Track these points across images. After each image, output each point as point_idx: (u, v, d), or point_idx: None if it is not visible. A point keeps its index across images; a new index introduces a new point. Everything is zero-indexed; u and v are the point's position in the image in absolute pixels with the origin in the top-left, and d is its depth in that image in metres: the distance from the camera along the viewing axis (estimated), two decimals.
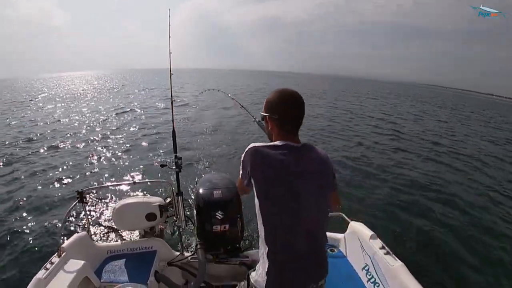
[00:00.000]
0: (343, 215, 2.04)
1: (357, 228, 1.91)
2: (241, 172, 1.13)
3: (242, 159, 1.10)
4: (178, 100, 17.07)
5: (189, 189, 4.75)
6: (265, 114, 1.14)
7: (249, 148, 1.08)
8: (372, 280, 1.63)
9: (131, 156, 7.24)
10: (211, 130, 10.34)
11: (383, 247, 1.66)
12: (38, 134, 9.51)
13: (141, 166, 6.50)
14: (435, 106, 28.40)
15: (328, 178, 1.10)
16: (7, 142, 8.51)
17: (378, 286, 1.57)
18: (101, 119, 12.31)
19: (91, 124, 11.20)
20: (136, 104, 17.74)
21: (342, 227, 2.08)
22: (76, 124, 11.28)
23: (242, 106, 2.29)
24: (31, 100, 21.08)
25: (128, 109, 15.16)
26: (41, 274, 1.45)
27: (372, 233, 1.78)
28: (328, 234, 2.11)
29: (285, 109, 1.08)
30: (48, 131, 10.01)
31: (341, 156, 7.78)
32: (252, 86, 37.35)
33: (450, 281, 3.31)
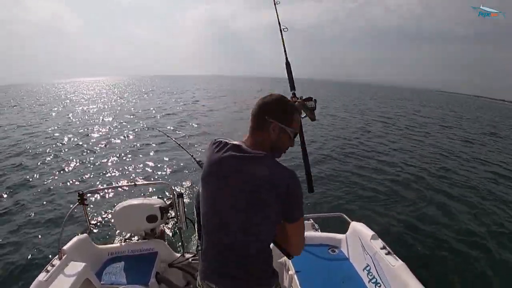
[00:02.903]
0: (344, 215, 2.03)
1: (358, 228, 1.90)
2: None
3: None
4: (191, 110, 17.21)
5: (190, 191, 4.75)
6: None
7: (213, 140, 1.09)
8: (374, 280, 1.62)
9: (132, 158, 7.24)
10: (216, 131, 10.36)
11: (384, 247, 1.66)
12: (44, 137, 9.54)
13: (142, 168, 6.51)
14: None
15: (264, 200, 0.94)
16: (12, 144, 8.54)
17: (379, 286, 1.57)
18: (110, 122, 12.38)
19: (97, 127, 11.24)
20: (147, 107, 17.94)
21: (343, 228, 2.07)
22: (80, 127, 11.32)
23: (180, 145, 2.57)
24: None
25: (137, 113, 15.24)
26: (42, 276, 1.45)
27: (373, 233, 1.78)
28: (329, 234, 2.13)
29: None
30: (55, 134, 10.04)
31: (342, 155, 7.79)
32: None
33: (452, 280, 3.30)
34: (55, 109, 17.71)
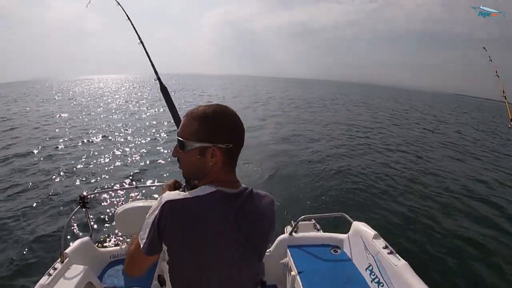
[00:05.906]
0: (346, 215, 2.03)
1: (360, 228, 1.90)
2: (143, 233, 0.75)
3: (152, 219, 0.73)
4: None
5: None
6: (204, 140, 0.74)
7: (164, 204, 0.71)
8: (376, 280, 1.62)
9: (134, 160, 7.24)
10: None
11: (386, 247, 1.65)
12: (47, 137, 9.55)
13: (143, 170, 6.51)
14: None
15: (267, 239, 0.85)
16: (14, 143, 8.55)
17: (382, 286, 1.56)
18: (114, 123, 12.36)
19: (100, 128, 11.24)
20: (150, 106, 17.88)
21: (345, 228, 2.07)
22: (80, 128, 11.33)
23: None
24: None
25: (142, 113, 15.24)
26: (44, 280, 1.45)
27: (375, 232, 1.77)
28: (331, 234, 2.12)
29: (239, 134, 0.78)
30: (56, 134, 10.05)
31: (343, 154, 7.78)
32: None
33: (455, 279, 3.28)
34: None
